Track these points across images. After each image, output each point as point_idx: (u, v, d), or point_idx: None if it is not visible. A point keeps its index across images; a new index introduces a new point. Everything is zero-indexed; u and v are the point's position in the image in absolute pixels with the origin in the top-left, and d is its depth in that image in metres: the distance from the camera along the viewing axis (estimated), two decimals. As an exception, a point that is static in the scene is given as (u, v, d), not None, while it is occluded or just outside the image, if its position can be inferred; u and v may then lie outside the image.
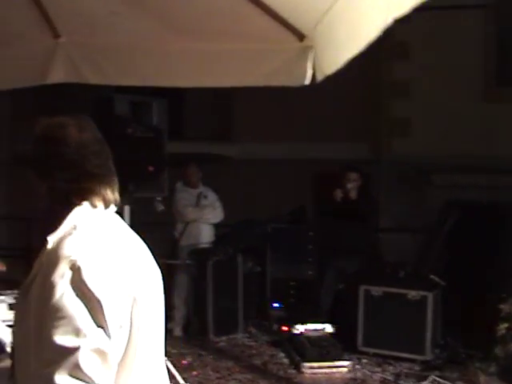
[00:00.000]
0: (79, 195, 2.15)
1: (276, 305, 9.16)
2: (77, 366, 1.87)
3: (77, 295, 1.92)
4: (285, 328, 8.35)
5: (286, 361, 7.68)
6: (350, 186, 8.63)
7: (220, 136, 12.22)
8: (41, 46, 4.96)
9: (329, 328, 7.98)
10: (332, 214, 8.76)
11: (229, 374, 7.17)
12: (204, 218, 8.83)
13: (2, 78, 5.00)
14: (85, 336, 1.89)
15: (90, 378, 1.88)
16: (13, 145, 10.83)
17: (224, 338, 8.46)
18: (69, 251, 1.99)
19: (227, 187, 9.96)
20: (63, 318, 1.90)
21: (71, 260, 1.96)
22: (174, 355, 7.39)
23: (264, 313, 9.21)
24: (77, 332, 1.89)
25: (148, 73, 4.97)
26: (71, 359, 1.87)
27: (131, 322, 2.03)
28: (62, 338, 1.88)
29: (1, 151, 11.38)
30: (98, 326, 1.92)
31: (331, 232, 8.81)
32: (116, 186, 2.26)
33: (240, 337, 8.59)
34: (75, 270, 1.95)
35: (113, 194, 2.23)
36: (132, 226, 2.34)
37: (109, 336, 1.94)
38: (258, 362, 7.69)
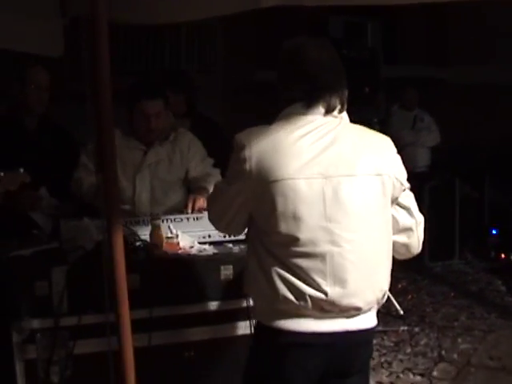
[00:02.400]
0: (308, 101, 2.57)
1: (494, 231, 8.89)
2: None
3: None
4: (502, 255, 8.14)
5: (503, 288, 7.51)
6: None
7: (436, 59, 11.87)
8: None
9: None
10: None
11: (443, 299, 7.13)
12: (421, 141, 8.68)
13: (212, 5, 5.06)
14: None
15: None
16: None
17: (440, 263, 8.37)
18: None
19: (444, 111, 9.71)
20: None
21: None
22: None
23: (482, 239, 8.97)
24: None
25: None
26: None
27: None
28: None
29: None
30: None
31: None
32: (344, 98, 2.61)
33: (456, 263, 8.47)
34: None
35: (339, 103, 2.58)
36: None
37: None
38: (473, 288, 7.57)
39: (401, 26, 12.21)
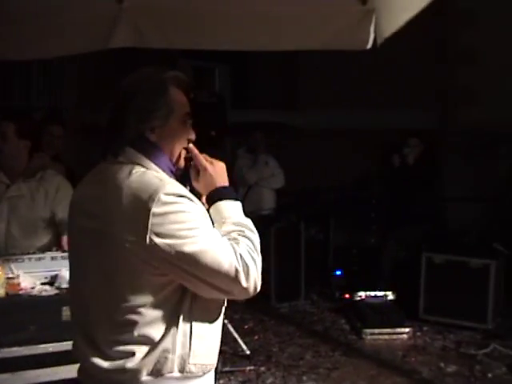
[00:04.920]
0: None
1: (338, 272, 9.17)
2: None
3: None
4: (346, 295, 8.38)
5: (346, 327, 7.71)
6: (406, 150, 8.58)
7: (285, 105, 12.21)
8: (104, 10, 5.00)
9: (390, 295, 7.99)
10: (391, 180, 8.75)
11: (289, 339, 7.25)
12: (265, 181, 8.87)
13: (65, 43, 5.07)
14: None
15: None
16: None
17: (286, 304, 8.52)
18: None
19: (291, 156, 10.00)
20: None
21: None
22: (236, 320, 7.51)
23: (326, 280, 9.24)
24: None
25: (211, 36, 4.98)
26: None
27: None
28: None
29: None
30: None
31: (392, 199, 8.78)
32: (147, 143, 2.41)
33: (302, 303, 8.64)
34: None
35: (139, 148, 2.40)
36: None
37: None
38: (319, 327, 7.74)
39: (250, 71, 12.52)
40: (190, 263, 2.22)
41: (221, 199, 2.45)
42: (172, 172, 2.45)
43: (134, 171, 2.30)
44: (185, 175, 2.57)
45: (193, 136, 2.51)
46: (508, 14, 9.95)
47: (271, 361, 6.63)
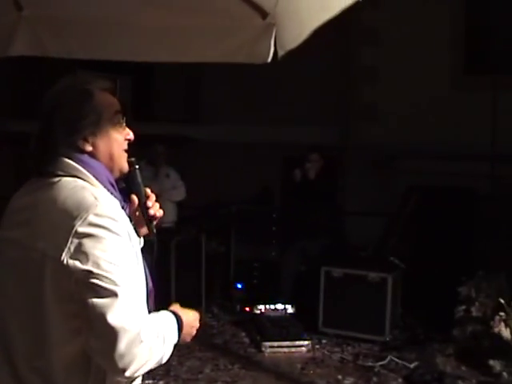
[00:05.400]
0: None
1: (239, 285, 9.19)
2: None
3: None
4: (247, 308, 8.40)
5: (246, 340, 7.72)
6: (308, 165, 8.69)
7: (188, 117, 12.20)
8: (3, 18, 4.89)
9: (290, 308, 8.06)
10: (293, 194, 8.85)
11: (189, 353, 7.17)
12: (166, 193, 8.81)
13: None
14: None
15: None
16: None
17: (186, 317, 8.46)
18: None
19: (193, 169, 9.98)
20: None
21: None
22: (134, 333, 7.42)
23: (227, 293, 9.24)
24: None
25: (109, 47, 4.93)
26: None
27: None
28: None
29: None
30: None
31: (293, 213, 8.87)
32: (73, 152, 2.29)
33: (202, 316, 8.59)
34: None
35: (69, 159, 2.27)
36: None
37: None
38: (219, 341, 7.73)
39: (153, 83, 12.46)
40: (96, 297, 2.06)
41: None
42: (112, 185, 2.33)
43: (70, 185, 2.20)
44: (126, 184, 2.48)
45: (130, 135, 2.40)
46: (409, 32, 10.25)
47: (170, 375, 6.58)
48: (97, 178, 2.26)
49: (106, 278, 2.06)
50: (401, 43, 10.48)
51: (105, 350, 2.07)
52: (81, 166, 2.25)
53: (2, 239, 2.32)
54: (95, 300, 2.04)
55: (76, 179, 2.22)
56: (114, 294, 2.05)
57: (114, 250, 2.11)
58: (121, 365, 2.06)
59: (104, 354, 2.09)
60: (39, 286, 2.12)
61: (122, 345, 2.04)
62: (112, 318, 2.03)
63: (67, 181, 2.22)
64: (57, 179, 2.22)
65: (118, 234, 2.14)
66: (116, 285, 2.06)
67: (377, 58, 10.81)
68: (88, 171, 2.25)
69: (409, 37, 10.36)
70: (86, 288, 2.06)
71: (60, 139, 2.25)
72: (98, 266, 2.06)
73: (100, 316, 2.04)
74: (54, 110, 2.27)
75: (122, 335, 2.04)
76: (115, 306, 2.05)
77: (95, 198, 2.15)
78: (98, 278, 2.05)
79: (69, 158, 2.25)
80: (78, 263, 2.05)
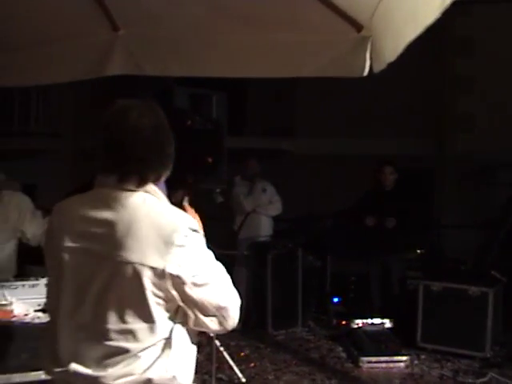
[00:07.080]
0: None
1: (335, 300, 9.14)
2: None
3: None
4: (343, 322, 8.34)
5: (343, 355, 7.66)
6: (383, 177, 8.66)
7: (281, 131, 12.23)
8: (100, 39, 5.01)
9: (388, 323, 7.96)
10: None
11: (285, 367, 7.19)
12: (262, 208, 8.85)
13: (61, 70, 5.09)
14: None
15: None
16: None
17: (282, 331, 8.48)
18: None
19: (288, 182, 9.99)
20: None
21: None
22: (232, 347, 7.46)
23: (323, 307, 9.20)
24: None
25: (206, 63, 4.99)
26: None
27: None
28: None
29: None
30: None
31: (377, 227, 8.69)
32: (162, 171, 2.42)
33: (299, 331, 8.61)
34: None
35: (153, 177, 2.38)
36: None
37: None
38: (315, 355, 7.69)
39: (247, 98, 12.57)
40: (198, 295, 2.32)
41: None
42: (167, 197, 2.46)
43: (147, 200, 2.34)
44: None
45: None
46: (506, 43, 10.03)
47: (267, 389, 6.59)
48: (161, 194, 2.43)
49: (205, 276, 2.33)
50: (497, 52, 10.27)
51: (216, 328, 2.42)
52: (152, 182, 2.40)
53: (62, 248, 2.36)
54: (195, 299, 2.32)
55: (144, 193, 2.36)
56: (213, 286, 2.35)
57: (204, 252, 2.38)
58: (231, 328, 2.45)
59: (215, 330, 2.46)
60: (124, 293, 2.26)
61: (230, 321, 2.42)
62: (217, 301, 2.36)
63: (144, 195, 2.35)
64: (133, 193, 2.34)
65: (202, 240, 2.40)
66: (212, 279, 2.36)
67: (472, 69, 10.62)
68: (156, 187, 2.41)
69: (506, 46, 10.14)
70: (188, 288, 2.29)
71: (147, 160, 2.36)
72: (195, 269, 2.30)
73: (206, 304, 2.35)
74: (146, 134, 2.36)
75: (229, 312, 2.40)
76: (216, 292, 2.37)
77: (177, 212, 2.37)
78: (197, 279, 2.30)
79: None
80: (177, 271, 2.26)
